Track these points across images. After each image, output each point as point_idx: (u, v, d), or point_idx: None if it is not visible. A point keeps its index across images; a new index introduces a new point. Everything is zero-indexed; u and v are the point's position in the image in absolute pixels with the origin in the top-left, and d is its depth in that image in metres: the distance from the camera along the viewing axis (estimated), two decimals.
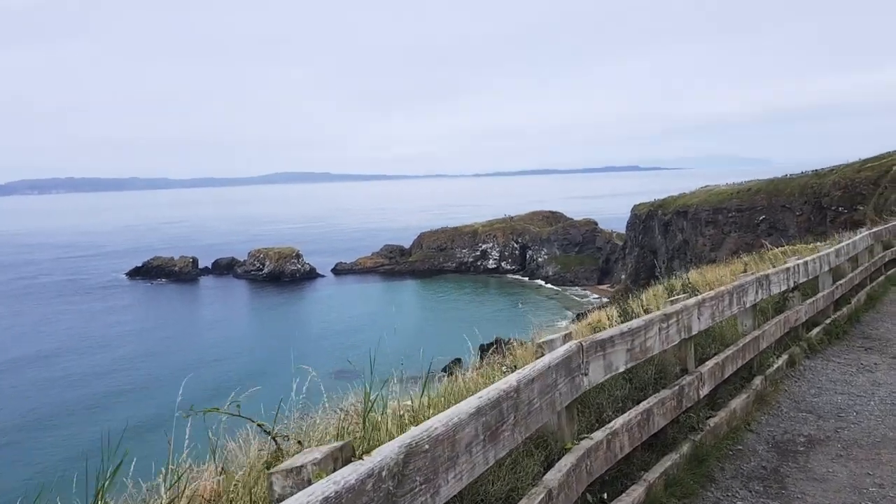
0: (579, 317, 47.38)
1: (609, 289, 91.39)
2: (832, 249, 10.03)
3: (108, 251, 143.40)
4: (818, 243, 26.38)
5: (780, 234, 64.52)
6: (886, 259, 15.03)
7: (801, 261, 8.42)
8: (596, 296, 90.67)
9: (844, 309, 10.31)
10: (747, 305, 6.61)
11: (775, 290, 7.48)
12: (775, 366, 7.19)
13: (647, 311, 7.86)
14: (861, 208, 54.00)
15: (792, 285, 8.05)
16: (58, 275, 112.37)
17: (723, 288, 6.03)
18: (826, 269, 9.56)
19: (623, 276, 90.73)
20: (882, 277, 14.22)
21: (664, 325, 4.70)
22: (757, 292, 6.82)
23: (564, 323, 48.84)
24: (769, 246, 15.61)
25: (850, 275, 11.15)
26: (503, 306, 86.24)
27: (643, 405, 4.52)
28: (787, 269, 7.91)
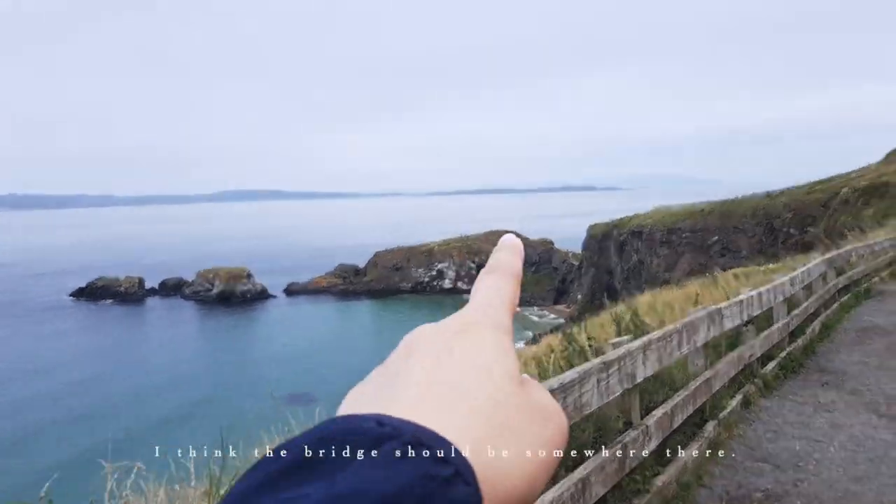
0: (535, 339, 47.01)
1: (566, 309, 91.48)
2: (787, 278, 9.53)
3: (51, 270, 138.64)
4: (770, 265, 26.29)
5: (733, 255, 65.25)
6: (840, 286, 14.79)
7: (754, 292, 7.86)
8: (553, 315, 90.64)
9: (799, 340, 9.82)
10: (698, 344, 5.97)
11: (728, 324, 6.88)
12: (729, 408, 6.58)
13: (591, 344, 7.22)
14: (811, 230, 54.84)
15: (746, 318, 7.48)
16: None
17: (671, 327, 5.37)
18: (781, 299, 9.04)
19: (579, 297, 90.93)
20: (836, 305, 13.96)
21: (603, 376, 4.01)
22: (709, 329, 6.20)
23: (521, 345, 48.46)
24: (719, 271, 15.42)
25: (805, 304, 10.68)
26: None
27: (578, 473, 3.81)
28: (741, 301, 7.32)
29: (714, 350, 7.13)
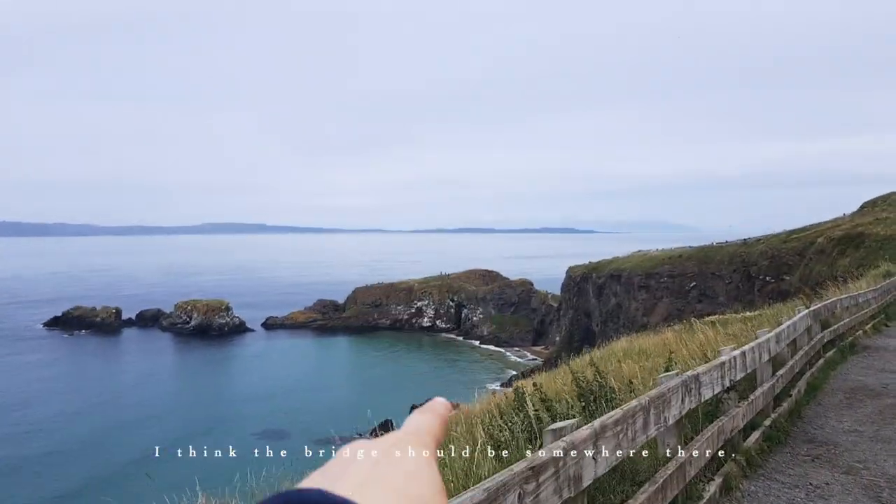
0: (511, 381, 45.80)
1: (544, 350, 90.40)
2: (772, 334, 8.41)
3: (26, 300, 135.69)
4: (747, 313, 25.41)
5: (710, 300, 64.70)
6: (825, 339, 13.67)
7: (737, 352, 6.71)
8: (531, 356, 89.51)
9: (785, 404, 8.70)
10: (670, 422, 4.82)
11: (707, 393, 5.74)
12: (706, 496, 5.42)
13: (548, 408, 6.07)
14: (787, 278, 54.49)
15: (728, 384, 6.36)
16: None
17: (635, 403, 4.20)
18: (766, 358, 7.91)
19: (557, 339, 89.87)
20: (821, 361, 12.86)
21: (530, 488, 2.87)
22: (683, 401, 5.06)
23: (496, 385, 47.27)
24: (696, 319, 14.54)
25: (791, 362, 9.60)
26: (437, 365, 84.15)
27: None
28: (722, 364, 6.16)
29: (689, 419, 6.01)
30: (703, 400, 5.63)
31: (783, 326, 9.32)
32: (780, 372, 8.78)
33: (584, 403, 6.12)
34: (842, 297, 16.93)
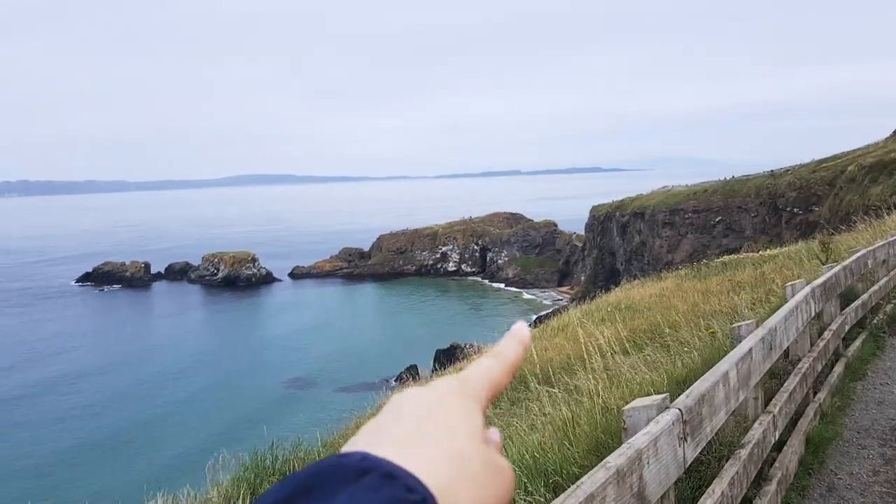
0: (537, 322, 46.09)
1: (569, 290, 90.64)
2: (719, 376, 3.95)
3: (57, 256, 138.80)
4: (769, 250, 23.94)
5: (737, 235, 64.18)
6: (846, 327, 8.62)
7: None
8: (557, 296, 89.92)
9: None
10: None
11: None
12: None
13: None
14: (816, 209, 53.64)
15: None
16: (2, 281, 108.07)
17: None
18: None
19: (583, 278, 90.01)
20: (840, 367, 7.90)
21: None
22: None
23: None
24: (706, 262, 14.34)
25: (762, 427, 4.81)
26: (462, 310, 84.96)
27: None
28: None
29: None
30: None
31: (744, 353, 4.43)
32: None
33: None
34: (875, 246, 11.31)
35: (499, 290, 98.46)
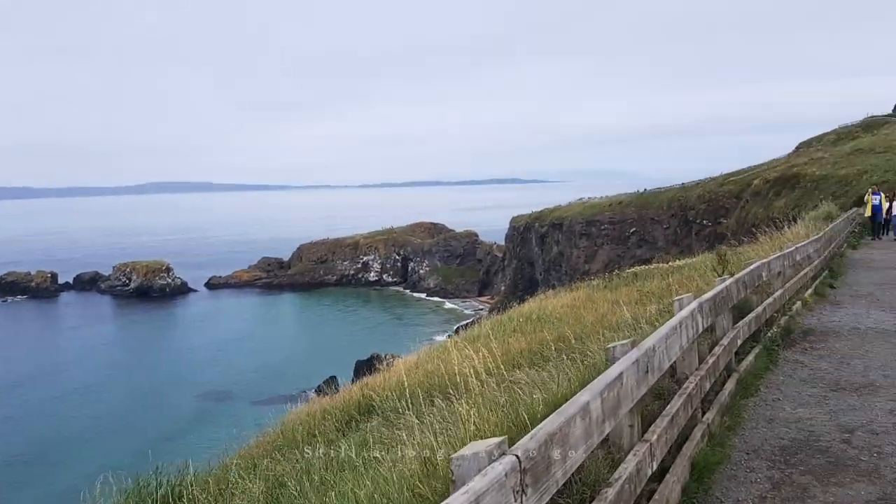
0: (457, 331, 45.80)
1: (490, 300, 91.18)
2: (582, 403, 3.42)
3: None
4: (677, 261, 24.42)
5: (650, 245, 65.89)
6: (739, 342, 8.11)
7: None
8: (479, 305, 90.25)
9: None
10: None
11: None
12: None
13: None
14: (724, 221, 55.51)
15: None
16: None
17: None
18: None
19: (503, 288, 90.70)
20: (731, 384, 7.42)
21: None
22: None
23: (440, 338, 47.25)
24: (617, 273, 14.28)
25: (642, 449, 4.31)
26: (384, 320, 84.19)
27: None
28: None
29: None
30: None
31: (611, 380, 3.89)
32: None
33: None
34: (770, 258, 11.03)
35: (420, 299, 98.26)
